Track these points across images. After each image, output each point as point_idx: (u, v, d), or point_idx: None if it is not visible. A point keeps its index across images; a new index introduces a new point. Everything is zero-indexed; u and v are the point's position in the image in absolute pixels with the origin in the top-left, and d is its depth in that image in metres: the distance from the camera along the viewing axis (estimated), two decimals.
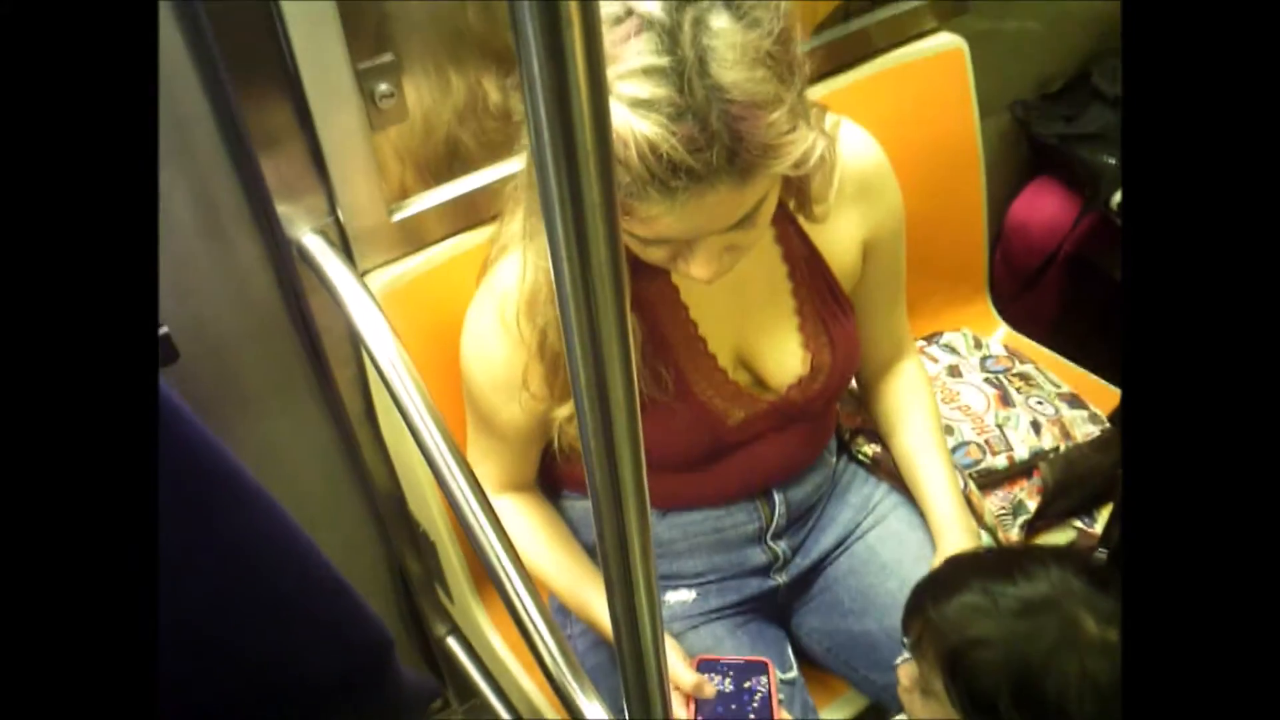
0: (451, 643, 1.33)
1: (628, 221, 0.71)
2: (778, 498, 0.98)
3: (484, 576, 1.16)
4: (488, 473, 0.96)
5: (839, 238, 0.92)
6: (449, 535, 1.12)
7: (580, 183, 0.34)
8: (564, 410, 0.86)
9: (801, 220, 0.89)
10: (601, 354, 0.44)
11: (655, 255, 0.77)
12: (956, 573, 0.74)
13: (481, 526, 0.82)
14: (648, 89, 0.64)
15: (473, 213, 0.99)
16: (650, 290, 0.86)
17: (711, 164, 0.65)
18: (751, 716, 0.81)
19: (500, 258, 0.87)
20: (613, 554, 0.54)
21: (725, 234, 0.74)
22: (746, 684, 0.84)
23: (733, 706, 0.82)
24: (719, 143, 0.65)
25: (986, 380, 1.26)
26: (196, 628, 0.60)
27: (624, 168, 0.65)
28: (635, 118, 0.64)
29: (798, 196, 0.86)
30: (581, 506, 1.02)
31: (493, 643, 1.16)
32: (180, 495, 0.52)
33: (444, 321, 0.95)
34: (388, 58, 0.87)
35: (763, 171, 0.69)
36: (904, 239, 0.99)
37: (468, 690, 1.45)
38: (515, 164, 0.85)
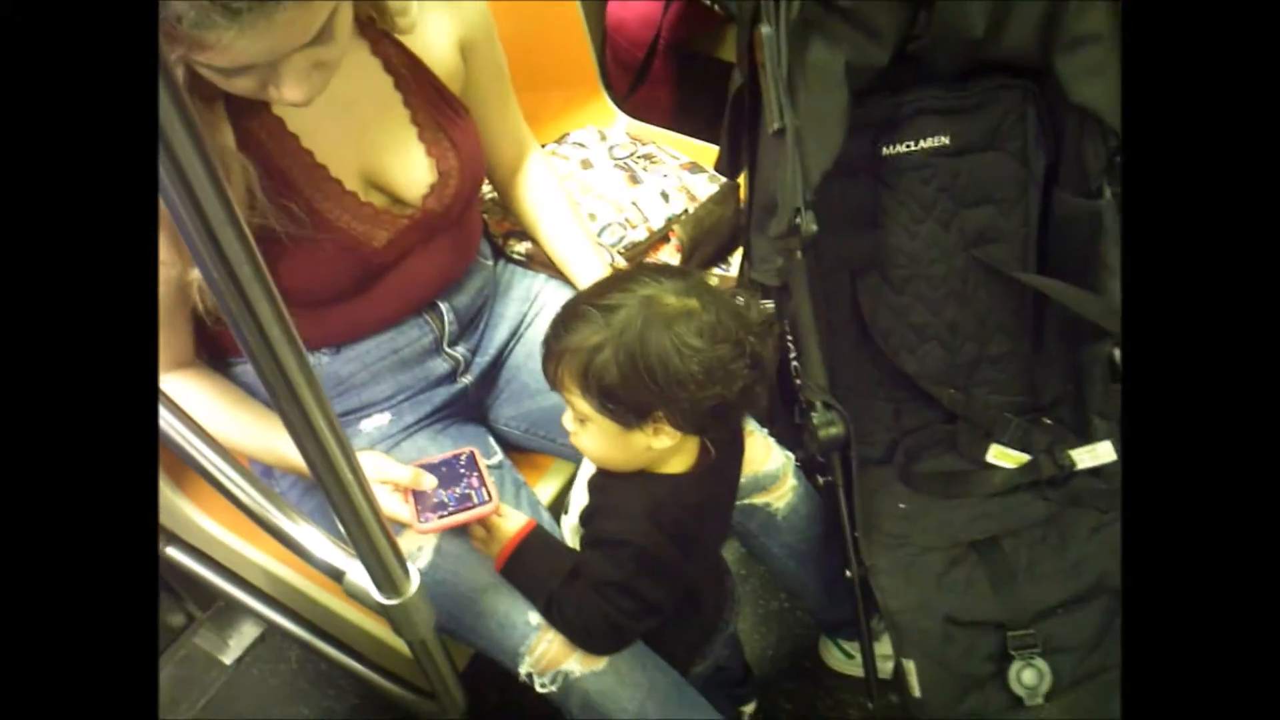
0: (173, 553, 1.29)
1: (205, 54, 0.70)
2: (444, 307, 1.03)
3: (182, 469, 1.14)
4: None
5: (434, 41, 0.94)
6: None
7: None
8: (197, 272, 0.84)
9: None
10: (201, 206, 0.46)
11: (243, 85, 0.76)
12: (568, 310, 0.84)
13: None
14: None
15: None
16: (255, 126, 0.85)
17: None
18: (462, 472, 0.89)
19: None
20: (284, 398, 0.57)
21: (307, 51, 0.75)
22: (457, 457, 0.92)
23: (442, 470, 0.90)
24: None
25: (616, 166, 1.36)
26: None
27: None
28: None
29: (378, 10, 0.87)
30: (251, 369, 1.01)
31: (211, 531, 1.15)
32: None
33: None
34: None
35: None
36: (498, 38, 1.03)
37: (208, 596, 1.43)
38: None
